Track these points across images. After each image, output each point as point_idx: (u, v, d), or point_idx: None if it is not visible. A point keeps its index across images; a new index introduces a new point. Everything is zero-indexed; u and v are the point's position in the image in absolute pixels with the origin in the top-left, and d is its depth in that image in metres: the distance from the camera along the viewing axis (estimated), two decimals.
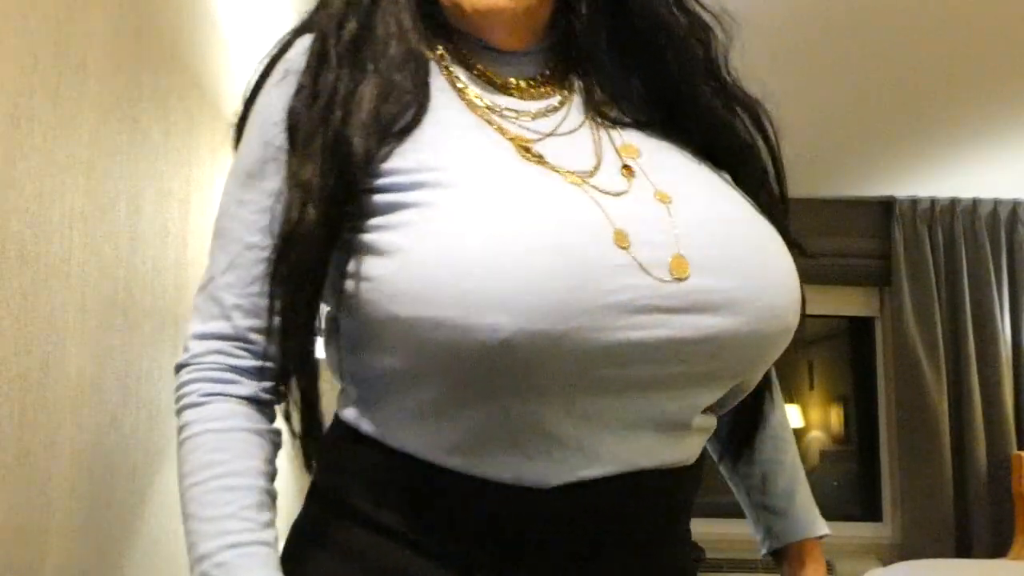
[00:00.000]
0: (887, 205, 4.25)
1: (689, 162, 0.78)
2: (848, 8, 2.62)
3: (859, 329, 4.45)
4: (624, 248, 0.66)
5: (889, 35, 2.79)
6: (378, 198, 0.69)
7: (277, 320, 0.72)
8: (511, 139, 0.73)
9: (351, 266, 0.69)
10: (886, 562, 3.80)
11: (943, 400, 4.01)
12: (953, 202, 4.22)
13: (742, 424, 0.87)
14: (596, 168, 0.73)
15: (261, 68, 0.82)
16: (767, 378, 0.83)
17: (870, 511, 4.28)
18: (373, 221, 0.69)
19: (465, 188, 0.67)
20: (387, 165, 0.70)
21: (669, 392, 0.69)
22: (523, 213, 0.65)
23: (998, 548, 3.86)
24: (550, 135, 0.76)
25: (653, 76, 0.81)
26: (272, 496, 0.72)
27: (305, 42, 0.79)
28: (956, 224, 4.20)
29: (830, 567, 4.02)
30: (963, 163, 3.87)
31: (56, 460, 1.05)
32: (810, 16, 2.66)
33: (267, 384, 0.75)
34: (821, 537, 0.91)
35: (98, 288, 1.14)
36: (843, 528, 4.20)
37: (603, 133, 0.78)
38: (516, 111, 0.77)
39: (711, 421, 0.77)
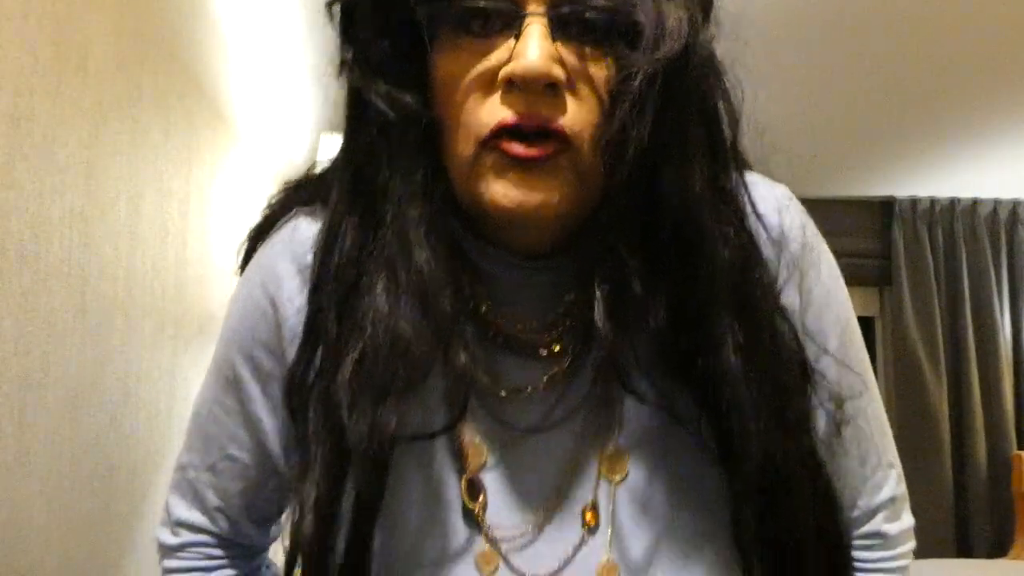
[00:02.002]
0: (887, 205, 4.25)
1: (686, 487, 0.64)
2: (848, 8, 2.62)
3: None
4: None
5: (889, 35, 2.79)
6: None
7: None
8: (470, 461, 0.63)
9: None
10: None
11: (943, 400, 4.02)
12: (953, 202, 4.22)
13: None
14: (547, 515, 0.63)
15: (258, 226, 0.73)
16: None
17: None
18: None
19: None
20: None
21: None
22: None
23: (998, 548, 3.86)
24: (532, 431, 0.64)
25: (678, 299, 0.60)
26: None
27: (305, 233, 0.68)
28: (956, 224, 4.20)
29: None
30: (963, 163, 3.87)
31: (56, 460, 1.05)
32: (810, 16, 2.66)
33: (256, 557, 0.78)
34: None
35: (98, 288, 1.14)
36: None
37: (598, 424, 0.64)
38: (508, 388, 0.64)
39: None
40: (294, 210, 0.70)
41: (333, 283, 0.62)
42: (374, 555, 0.60)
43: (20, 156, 0.96)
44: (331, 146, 1.61)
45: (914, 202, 4.24)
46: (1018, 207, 4.23)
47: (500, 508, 0.63)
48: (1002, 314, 4.13)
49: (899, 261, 4.18)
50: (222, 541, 0.76)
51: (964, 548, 3.94)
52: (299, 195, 0.71)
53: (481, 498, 0.63)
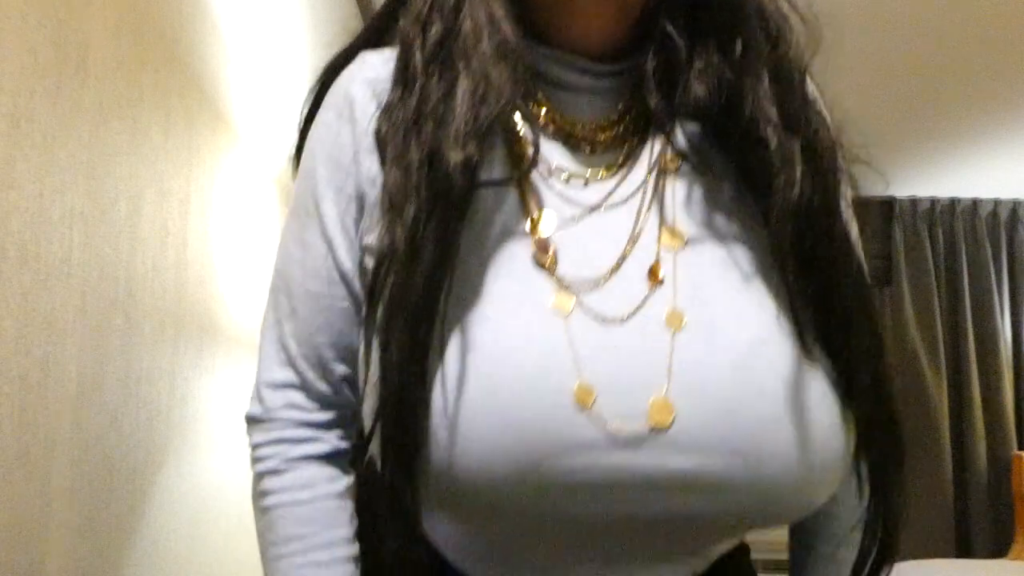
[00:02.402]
0: (887, 205, 4.25)
1: (740, 252, 0.68)
2: (848, 9, 2.62)
3: None
4: (586, 408, 0.59)
5: (889, 36, 2.79)
6: None
7: (372, 369, 0.64)
8: (535, 223, 0.67)
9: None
10: None
11: (943, 400, 4.01)
12: (953, 202, 4.22)
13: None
14: (615, 269, 0.67)
15: (320, 82, 0.78)
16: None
17: None
18: None
19: (465, 313, 0.62)
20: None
21: (630, 564, 0.66)
22: (490, 375, 0.59)
23: (998, 548, 3.86)
24: (594, 209, 0.69)
25: (720, 68, 0.70)
26: (357, 563, 0.73)
27: (374, 60, 0.74)
28: (956, 224, 4.20)
29: None
30: (963, 163, 3.87)
31: (56, 460, 1.05)
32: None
33: (343, 431, 0.76)
34: None
35: (98, 288, 1.14)
36: None
37: (655, 206, 0.70)
38: (569, 173, 0.71)
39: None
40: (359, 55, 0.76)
41: (420, 40, 0.68)
42: (449, 296, 0.63)
43: (20, 156, 0.96)
44: None
45: (914, 202, 4.24)
46: (1018, 207, 4.23)
47: (569, 265, 0.66)
48: (1002, 314, 4.13)
49: (899, 261, 4.19)
50: (311, 395, 0.73)
51: (964, 548, 3.94)
52: (360, 44, 0.77)
53: (551, 253, 0.66)
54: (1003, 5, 2.58)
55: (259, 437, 0.74)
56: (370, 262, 0.68)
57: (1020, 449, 3.98)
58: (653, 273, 0.66)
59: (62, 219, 1.05)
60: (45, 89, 1.01)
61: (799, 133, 0.67)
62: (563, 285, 0.65)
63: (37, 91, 0.99)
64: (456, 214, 0.63)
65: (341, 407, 0.75)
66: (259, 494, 0.73)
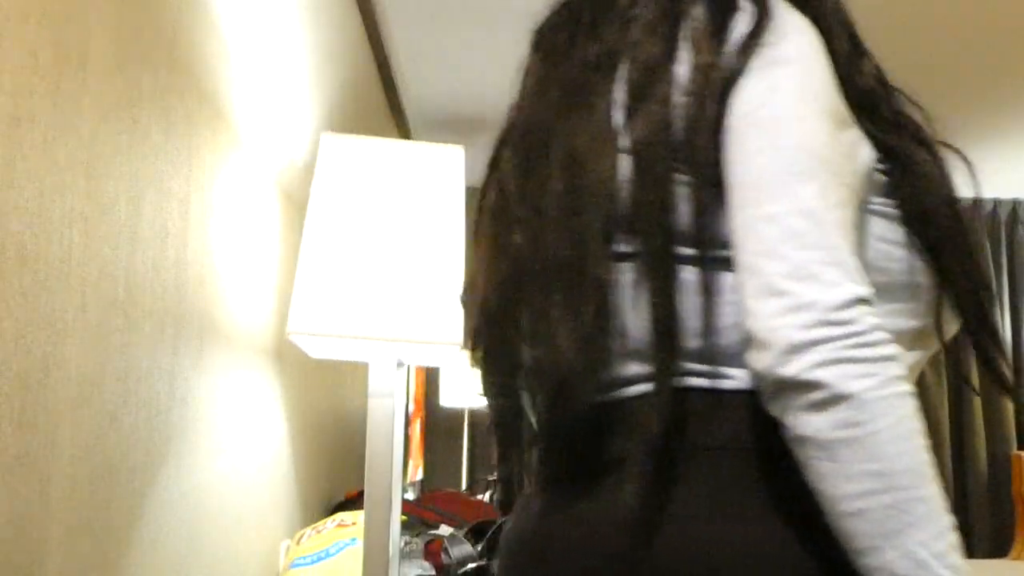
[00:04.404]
0: None
1: None
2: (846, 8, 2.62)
3: None
4: None
5: (888, 35, 2.79)
6: None
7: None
8: None
9: None
10: None
11: (943, 400, 4.01)
12: None
13: None
14: None
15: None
16: None
17: None
18: None
19: None
20: None
21: None
22: None
23: (998, 548, 3.86)
24: None
25: None
26: None
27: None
28: None
29: None
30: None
31: (56, 460, 1.05)
32: None
33: None
34: None
35: (98, 288, 1.15)
36: None
37: None
38: None
39: None
40: None
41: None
42: None
43: (20, 156, 0.96)
44: (331, 146, 1.61)
45: None
46: (1018, 207, 4.23)
47: None
48: (1002, 314, 4.13)
49: None
50: None
51: (964, 548, 3.94)
52: None
53: None
54: (1003, 5, 2.58)
55: (872, 320, 0.69)
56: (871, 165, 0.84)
57: (1020, 449, 3.98)
58: None
59: (62, 219, 1.05)
60: (45, 89, 1.01)
61: None
62: None
63: (37, 91, 0.99)
64: None
65: None
66: (894, 378, 0.70)
